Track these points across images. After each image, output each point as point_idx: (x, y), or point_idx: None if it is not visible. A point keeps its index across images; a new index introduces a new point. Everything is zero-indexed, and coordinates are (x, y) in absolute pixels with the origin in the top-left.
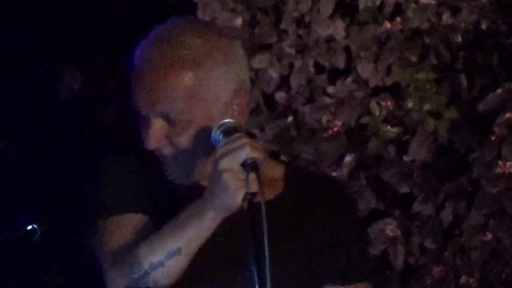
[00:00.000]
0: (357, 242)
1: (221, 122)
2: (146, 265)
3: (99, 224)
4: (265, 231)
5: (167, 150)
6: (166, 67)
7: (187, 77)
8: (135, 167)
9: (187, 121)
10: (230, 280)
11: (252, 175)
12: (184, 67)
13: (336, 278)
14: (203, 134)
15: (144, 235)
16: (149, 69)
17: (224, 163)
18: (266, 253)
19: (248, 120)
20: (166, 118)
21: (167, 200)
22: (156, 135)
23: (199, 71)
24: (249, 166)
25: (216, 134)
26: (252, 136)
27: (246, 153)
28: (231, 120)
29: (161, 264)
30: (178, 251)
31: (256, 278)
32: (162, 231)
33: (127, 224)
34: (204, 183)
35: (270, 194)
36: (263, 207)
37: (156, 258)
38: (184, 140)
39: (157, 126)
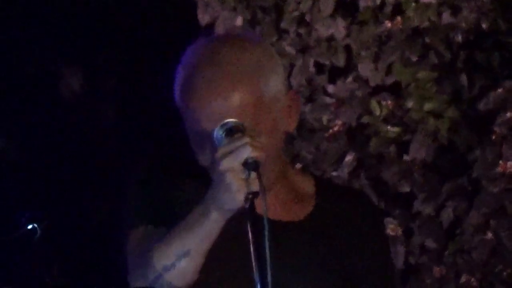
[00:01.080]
0: (387, 258)
1: (223, 122)
2: (159, 268)
3: (130, 233)
4: (266, 233)
5: None
6: (228, 87)
7: (250, 93)
8: (176, 181)
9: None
10: (238, 284)
11: (253, 175)
12: (245, 83)
13: None
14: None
15: None
16: (211, 92)
17: (225, 163)
18: (267, 257)
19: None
20: None
21: None
22: None
23: (258, 84)
24: (250, 166)
25: (218, 134)
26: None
27: (247, 153)
28: (233, 120)
29: (172, 266)
30: (187, 253)
31: (258, 283)
32: (172, 234)
33: (154, 235)
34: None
35: (301, 211)
36: (264, 207)
37: (167, 260)
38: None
39: None
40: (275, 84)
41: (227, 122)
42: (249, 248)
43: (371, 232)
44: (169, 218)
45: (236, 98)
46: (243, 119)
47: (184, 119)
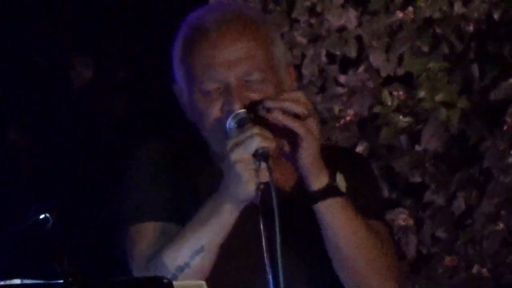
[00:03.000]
0: (370, 186)
1: (235, 113)
2: (172, 269)
3: (129, 230)
4: (277, 222)
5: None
6: (241, 30)
7: (259, 43)
8: (170, 162)
9: (263, 80)
10: (249, 274)
11: (264, 165)
12: (254, 32)
13: None
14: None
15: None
16: (221, 36)
17: (236, 154)
18: (279, 249)
19: None
20: (245, 79)
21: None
22: (241, 95)
23: (266, 38)
24: (260, 156)
25: (231, 125)
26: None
27: (257, 143)
28: (244, 110)
29: (186, 265)
30: (201, 249)
31: (270, 273)
32: (184, 232)
33: (155, 229)
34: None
35: (286, 184)
36: (274, 196)
37: (181, 260)
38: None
39: (240, 87)
40: (280, 47)
41: (239, 113)
42: (261, 239)
43: (355, 174)
44: (179, 211)
45: (246, 44)
46: (253, 61)
47: (188, 81)
